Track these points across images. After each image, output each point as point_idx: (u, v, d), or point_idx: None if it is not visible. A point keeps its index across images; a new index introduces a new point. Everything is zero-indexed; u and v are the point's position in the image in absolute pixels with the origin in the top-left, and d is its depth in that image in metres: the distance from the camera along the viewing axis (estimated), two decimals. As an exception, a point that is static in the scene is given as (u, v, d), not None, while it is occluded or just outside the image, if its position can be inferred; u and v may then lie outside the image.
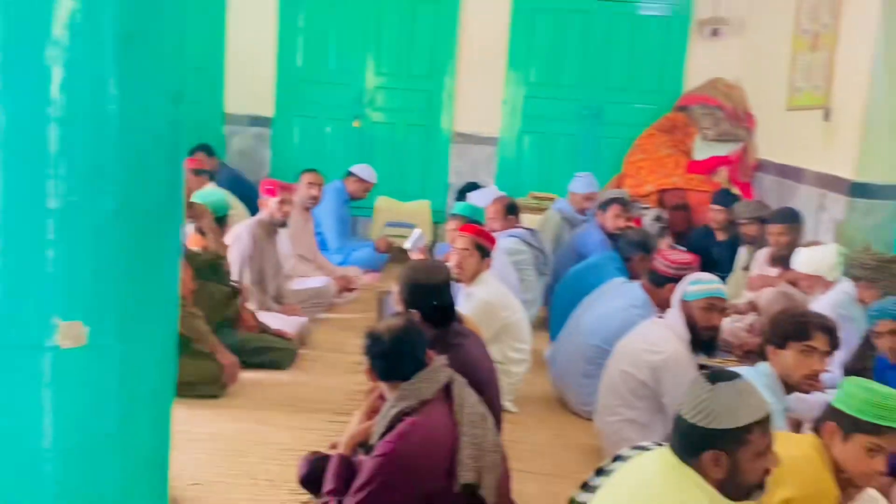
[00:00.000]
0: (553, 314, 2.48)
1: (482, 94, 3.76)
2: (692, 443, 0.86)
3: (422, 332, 1.23)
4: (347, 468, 1.22)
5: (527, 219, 3.05)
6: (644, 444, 1.10)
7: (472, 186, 3.33)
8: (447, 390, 1.19)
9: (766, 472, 0.89)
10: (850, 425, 1.01)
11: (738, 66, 3.63)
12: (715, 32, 3.59)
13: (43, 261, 0.69)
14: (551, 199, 3.37)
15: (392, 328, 1.18)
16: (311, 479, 1.30)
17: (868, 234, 2.51)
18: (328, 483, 1.21)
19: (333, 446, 1.35)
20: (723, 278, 2.14)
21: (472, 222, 2.29)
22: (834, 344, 1.35)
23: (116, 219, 0.72)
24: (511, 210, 2.76)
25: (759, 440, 0.86)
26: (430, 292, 1.47)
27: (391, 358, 1.16)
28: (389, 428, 1.12)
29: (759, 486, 0.89)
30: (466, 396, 1.21)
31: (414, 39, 3.78)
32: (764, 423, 0.88)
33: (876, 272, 1.93)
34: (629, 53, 3.78)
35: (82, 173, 0.69)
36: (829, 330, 1.34)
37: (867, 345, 1.71)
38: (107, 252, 0.73)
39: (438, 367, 1.20)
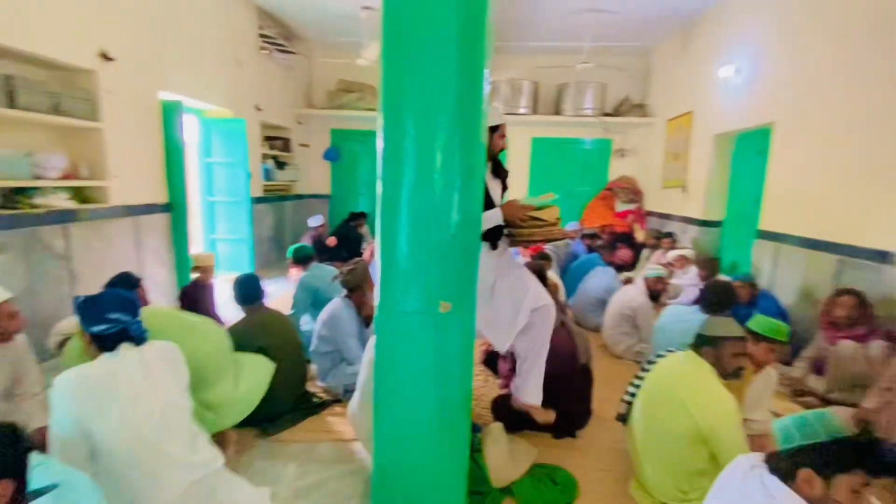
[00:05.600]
0: (567, 284, 4.52)
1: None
2: (700, 342, 1.89)
3: None
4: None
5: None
6: (669, 349, 2.09)
7: None
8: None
9: (740, 367, 1.87)
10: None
11: (633, 169, 7.38)
12: (622, 154, 7.48)
13: (433, 271, 1.55)
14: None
15: None
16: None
17: (706, 244, 5.30)
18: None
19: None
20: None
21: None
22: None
23: (460, 254, 1.57)
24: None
25: (732, 347, 1.83)
26: None
27: None
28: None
29: (735, 374, 1.88)
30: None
31: None
32: (736, 340, 1.85)
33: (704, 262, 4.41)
34: (585, 164, 7.71)
35: (450, 229, 1.53)
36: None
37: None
38: (456, 268, 1.57)
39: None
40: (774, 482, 1.13)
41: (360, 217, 6.91)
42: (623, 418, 2.18)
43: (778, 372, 2.50)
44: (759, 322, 2.21)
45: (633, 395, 2.13)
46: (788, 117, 3.92)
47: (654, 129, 6.84)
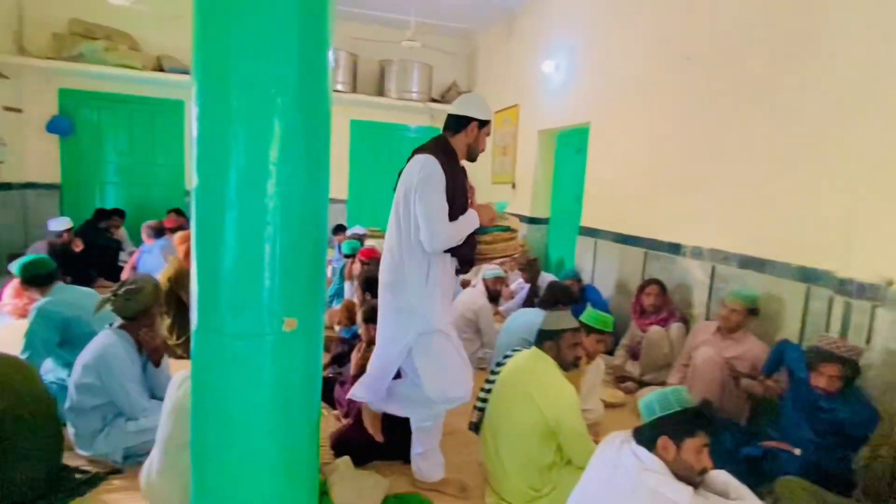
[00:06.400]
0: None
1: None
2: (542, 338, 2.36)
3: None
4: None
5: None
6: (515, 349, 2.59)
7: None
8: None
9: (577, 357, 2.36)
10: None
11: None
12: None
13: (264, 284, 1.52)
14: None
15: None
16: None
17: (536, 241, 6.29)
18: None
19: None
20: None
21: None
22: None
23: (306, 261, 1.61)
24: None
25: (570, 338, 2.31)
26: None
27: None
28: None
29: (574, 364, 2.35)
30: None
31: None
32: (573, 331, 2.33)
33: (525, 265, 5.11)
34: (411, 153, 8.38)
35: (294, 229, 1.57)
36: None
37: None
38: (302, 277, 1.60)
39: None
40: (642, 451, 1.52)
41: (112, 216, 6.11)
42: (476, 427, 2.50)
43: (604, 361, 3.20)
44: (588, 315, 2.80)
45: (484, 401, 2.47)
46: (602, 118, 4.96)
47: (481, 119, 7.73)
